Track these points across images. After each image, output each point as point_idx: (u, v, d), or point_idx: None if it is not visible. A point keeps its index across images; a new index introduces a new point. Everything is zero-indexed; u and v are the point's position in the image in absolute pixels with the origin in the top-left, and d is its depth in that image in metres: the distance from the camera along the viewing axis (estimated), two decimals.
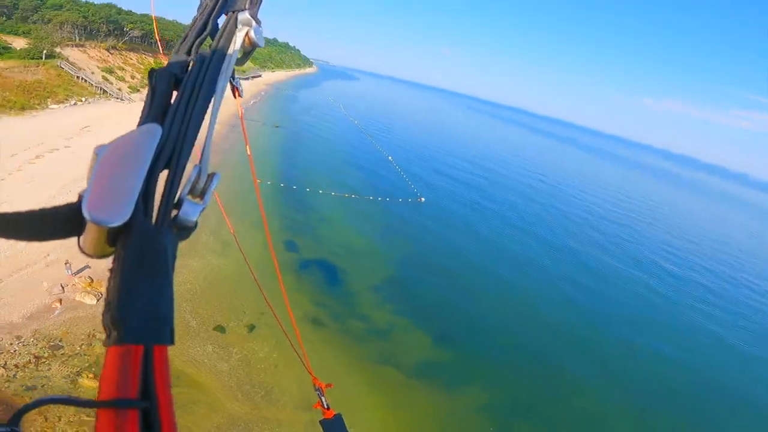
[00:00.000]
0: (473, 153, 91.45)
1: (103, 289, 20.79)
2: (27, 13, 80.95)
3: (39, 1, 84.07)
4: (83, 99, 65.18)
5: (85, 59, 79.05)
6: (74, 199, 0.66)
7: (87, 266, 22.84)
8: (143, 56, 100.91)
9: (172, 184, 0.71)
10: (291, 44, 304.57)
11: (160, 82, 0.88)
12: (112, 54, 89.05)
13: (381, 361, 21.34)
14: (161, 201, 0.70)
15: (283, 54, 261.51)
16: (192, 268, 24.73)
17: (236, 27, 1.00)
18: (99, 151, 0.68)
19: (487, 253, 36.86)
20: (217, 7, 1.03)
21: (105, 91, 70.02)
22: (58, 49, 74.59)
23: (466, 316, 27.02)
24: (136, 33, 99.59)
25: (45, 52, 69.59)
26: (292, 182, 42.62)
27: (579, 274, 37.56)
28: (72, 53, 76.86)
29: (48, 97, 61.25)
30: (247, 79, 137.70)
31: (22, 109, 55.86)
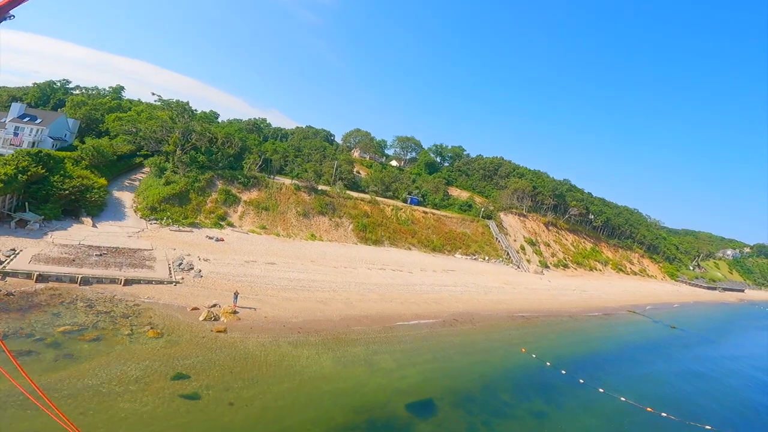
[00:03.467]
0: None
1: (230, 321, 23.69)
2: (498, 179, 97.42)
3: (511, 169, 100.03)
4: (486, 258, 67.44)
5: (519, 227, 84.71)
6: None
7: (253, 308, 26.02)
8: (581, 240, 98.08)
9: None
10: None
11: None
12: (549, 230, 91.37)
13: None
14: None
15: None
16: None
17: None
18: None
19: None
20: None
21: (509, 256, 69.95)
22: (501, 213, 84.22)
23: None
24: (575, 211, 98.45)
25: (483, 212, 79.75)
26: (569, 368, 27.55)
27: None
28: (509, 219, 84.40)
29: (460, 248, 67.84)
30: (713, 289, 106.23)
31: (433, 250, 63.94)
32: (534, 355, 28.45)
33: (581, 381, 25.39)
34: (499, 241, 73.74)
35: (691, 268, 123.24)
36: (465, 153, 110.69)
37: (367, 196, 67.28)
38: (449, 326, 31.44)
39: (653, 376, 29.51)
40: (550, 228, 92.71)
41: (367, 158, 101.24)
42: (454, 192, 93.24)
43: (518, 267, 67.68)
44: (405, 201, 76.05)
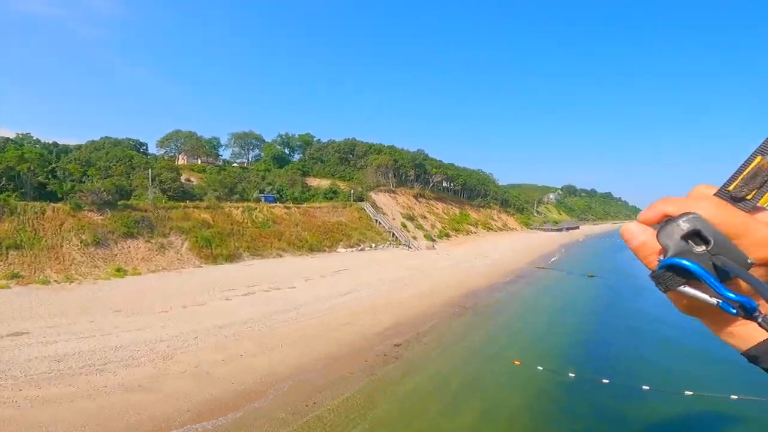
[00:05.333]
0: None
1: None
2: (356, 159, 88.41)
3: (367, 147, 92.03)
4: (372, 245, 56.53)
5: (392, 204, 76.53)
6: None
7: None
8: (449, 206, 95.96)
9: None
10: (615, 195, 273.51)
11: None
12: (419, 202, 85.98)
13: None
14: None
15: (605, 205, 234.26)
16: None
17: None
18: None
19: None
20: None
21: (396, 237, 60.59)
22: (371, 193, 74.65)
23: None
24: (438, 178, 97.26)
25: (354, 194, 69.00)
26: (605, 372, 17.83)
27: None
28: (380, 197, 75.44)
29: (341, 240, 55.44)
30: (559, 230, 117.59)
31: (311, 250, 50.00)
32: (540, 367, 18.03)
33: (645, 388, 15.89)
34: (379, 223, 63.76)
35: (535, 215, 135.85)
36: (315, 139, 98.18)
37: (203, 203, 49.25)
38: (390, 363, 18.64)
39: (701, 350, 21.41)
40: (420, 200, 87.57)
41: (199, 162, 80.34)
42: (313, 182, 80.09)
43: (409, 247, 58.74)
44: (258, 201, 59.99)
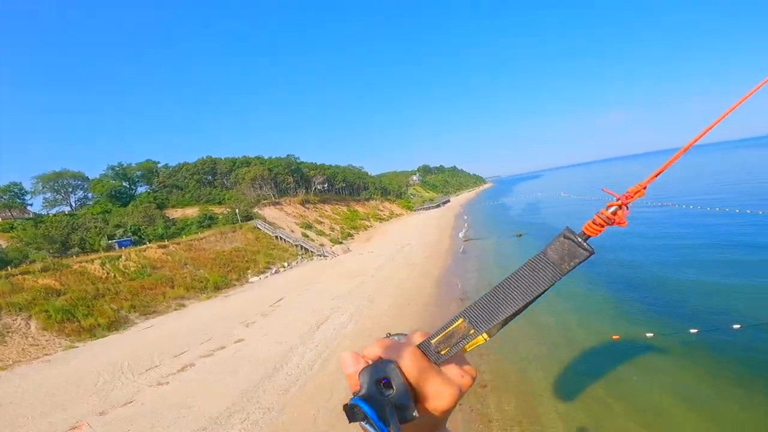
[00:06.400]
0: None
1: None
2: (221, 178, 76.43)
3: (230, 163, 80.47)
4: (285, 264, 47.64)
5: (282, 216, 67.42)
6: None
7: None
8: (336, 206, 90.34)
9: None
10: (458, 167, 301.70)
11: None
12: (307, 208, 78.22)
13: None
14: None
15: (455, 177, 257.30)
16: None
17: None
18: None
19: None
20: None
21: (306, 249, 52.66)
22: (255, 209, 64.24)
23: None
24: (319, 179, 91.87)
25: (239, 212, 58.04)
26: (708, 322, 15.11)
27: None
28: (268, 212, 65.67)
29: (248, 268, 45.02)
30: (438, 206, 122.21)
31: (217, 288, 38.94)
32: (650, 334, 14.59)
33: None
34: (282, 239, 54.59)
35: (411, 197, 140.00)
36: (161, 165, 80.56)
37: (35, 266, 33.77)
38: (467, 393, 12.79)
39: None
40: (307, 206, 79.85)
41: None
42: (176, 213, 65.16)
43: (324, 256, 51.53)
44: (110, 249, 45.29)
